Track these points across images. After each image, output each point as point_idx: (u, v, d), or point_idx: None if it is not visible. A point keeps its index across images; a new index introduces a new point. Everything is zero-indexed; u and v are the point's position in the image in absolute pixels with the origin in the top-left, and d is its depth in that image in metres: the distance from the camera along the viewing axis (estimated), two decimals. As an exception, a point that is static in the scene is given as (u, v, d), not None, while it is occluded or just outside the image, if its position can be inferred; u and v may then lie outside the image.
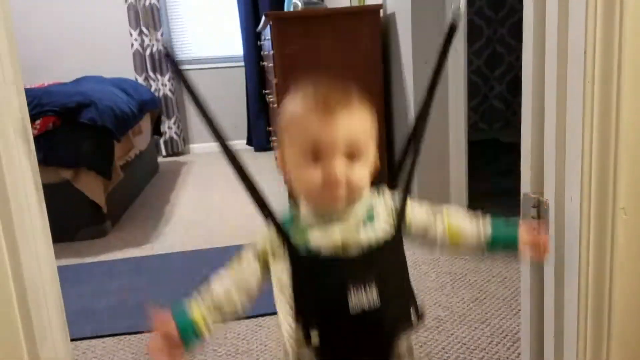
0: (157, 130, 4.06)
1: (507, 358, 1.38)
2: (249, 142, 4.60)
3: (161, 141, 4.51)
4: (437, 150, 2.27)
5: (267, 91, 3.85)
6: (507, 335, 1.48)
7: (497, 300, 1.68)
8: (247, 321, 1.61)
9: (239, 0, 4.26)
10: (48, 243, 1.01)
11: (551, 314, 0.99)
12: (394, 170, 0.84)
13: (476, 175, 2.64)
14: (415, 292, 0.80)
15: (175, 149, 4.56)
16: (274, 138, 3.66)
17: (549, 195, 0.96)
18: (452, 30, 0.82)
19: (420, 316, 0.78)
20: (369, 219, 0.76)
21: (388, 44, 2.61)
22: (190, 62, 4.38)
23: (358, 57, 2.54)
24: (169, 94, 4.47)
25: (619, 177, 0.82)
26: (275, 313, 0.78)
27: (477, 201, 2.44)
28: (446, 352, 1.41)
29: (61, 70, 4.13)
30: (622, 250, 0.84)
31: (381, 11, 2.57)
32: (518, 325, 1.46)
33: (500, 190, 2.49)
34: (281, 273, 0.76)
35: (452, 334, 1.50)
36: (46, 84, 3.28)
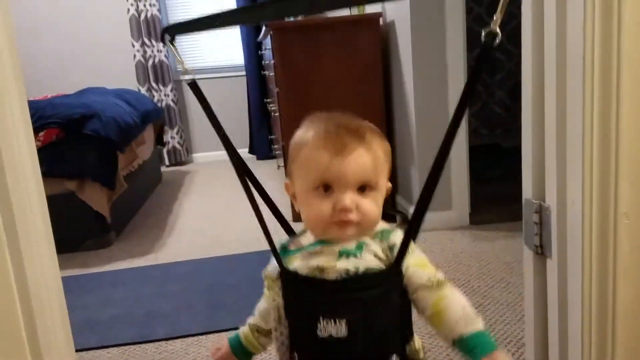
0: (160, 141, 4.08)
1: (513, 364, 1.37)
2: (251, 151, 4.61)
3: (164, 151, 4.53)
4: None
5: (268, 100, 3.87)
6: (511, 340, 1.48)
7: (501, 305, 1.67)
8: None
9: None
10: (52, 254, 1.01)
11: (555, 320, 0.99)
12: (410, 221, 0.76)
13: (478, 180, 2.64)
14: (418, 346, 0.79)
15: (178, 159, 4.58)
16: (276, 146, 3.67)
17: (550, 201, 0.96)
18: (484, 50, 0.69)
19: None
20: (357, 249, 0.74)
21: (388, 52, 2.63)
22: (191, 71, 4.40)
23: (358, 65, 2.56)
24: (171, 104, 4.49)
25: (620, 182, 0.82)
26: None
27: (478, 206, 2.45)
28: (451, 359, 1.41)
29: (65, 82, 4.17)
30: (625, 255, 0.84)
31: (381, 19, 2.59)
32: (522, 331, 1.46)
33: (502, 195, 2.49)
34: (276, 295, 0.79)
35: (456, 341, 1.49)
36: (49, 96, 3.31)
